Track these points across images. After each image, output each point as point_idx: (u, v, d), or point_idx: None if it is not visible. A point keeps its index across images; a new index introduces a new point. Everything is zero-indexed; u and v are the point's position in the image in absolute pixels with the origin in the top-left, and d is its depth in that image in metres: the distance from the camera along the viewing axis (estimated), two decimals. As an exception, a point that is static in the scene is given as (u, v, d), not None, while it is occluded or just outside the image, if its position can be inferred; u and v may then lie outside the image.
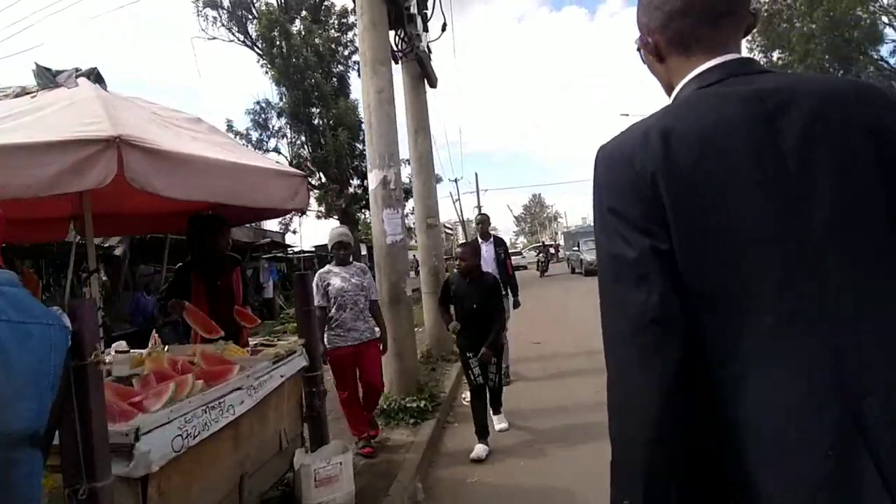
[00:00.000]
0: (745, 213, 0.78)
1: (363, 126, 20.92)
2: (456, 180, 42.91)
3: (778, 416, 0.74)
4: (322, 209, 19.95)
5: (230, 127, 19.79)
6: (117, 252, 10.97)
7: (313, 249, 27.56)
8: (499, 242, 5.98)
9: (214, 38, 22.22)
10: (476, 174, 42.67)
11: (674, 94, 0.94)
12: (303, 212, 3.54)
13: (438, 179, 23.26)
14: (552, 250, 40.46)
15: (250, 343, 3.63)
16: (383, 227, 4.77)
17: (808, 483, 0.72)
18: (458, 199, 42.70)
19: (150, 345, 3.18)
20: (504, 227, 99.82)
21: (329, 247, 4.06)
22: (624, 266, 0.81)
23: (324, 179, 20.19)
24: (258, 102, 19.95)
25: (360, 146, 21.25)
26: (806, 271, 0.76)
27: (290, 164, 20.01)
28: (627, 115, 31.07)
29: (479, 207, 43.67)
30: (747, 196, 0.78)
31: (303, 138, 20.32)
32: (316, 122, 20.25)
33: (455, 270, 4.29)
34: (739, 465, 0.76)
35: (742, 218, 0.78)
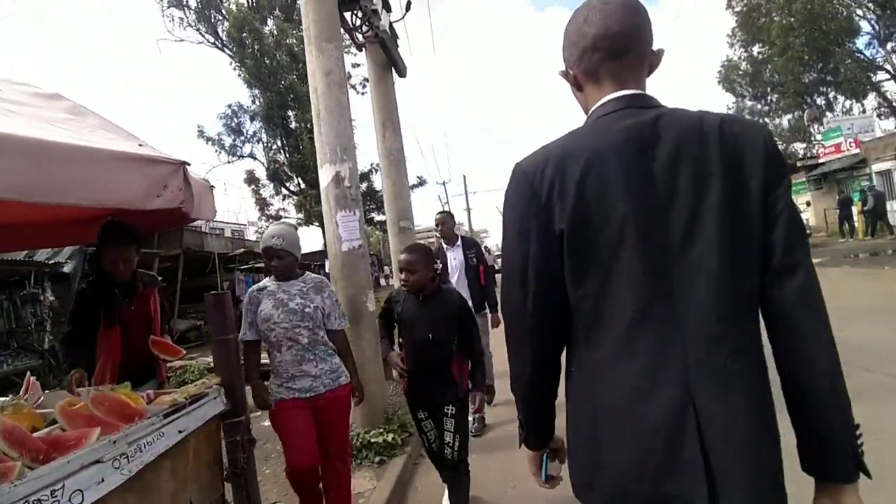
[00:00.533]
0: (615, 224, 0.94)
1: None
2: (444, 183, 42.41)
3: (626, 383, 0.94)
4: (301, 216, 19.19)
5: (201, 133, 18.99)
6: (66, 269, 10.10)
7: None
8: (469, 245, 4.72)
9: (182, 40, 21.50)
10: (464, 176, 41.98)
11: (590, 116, 1.08)
12: (186, 217, 2.13)
13: (422, 182, 22.66)
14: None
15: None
16: (338, 232, 4.03)
17: (644, 439, 0.91)
18: (447, 202, 42.17)
19: (22, 390, 2.46)
20: (498, 230, 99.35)
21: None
22: (520, 261, 1.01)
23: (302, 185, 19.43)
24: (230, 106, 19.13)
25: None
26: (662, 275, 0.93)
27: (267, 170, 19.28)
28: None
29: (469, 210, 43.07)
30: (619, 209, 0.94)
31: (279, 142, 19.52)
32: (293, 125, 19.49)
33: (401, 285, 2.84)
34: (596, 420, 0.97)
35: (614, 228, 0.94)
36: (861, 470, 0.90)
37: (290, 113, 19.28)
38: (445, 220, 4.79)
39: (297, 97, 19.02)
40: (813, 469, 0.93)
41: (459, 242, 4.70)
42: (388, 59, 6.29)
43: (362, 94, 21.55)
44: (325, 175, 4.06)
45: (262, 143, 19.54)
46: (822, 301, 0.91)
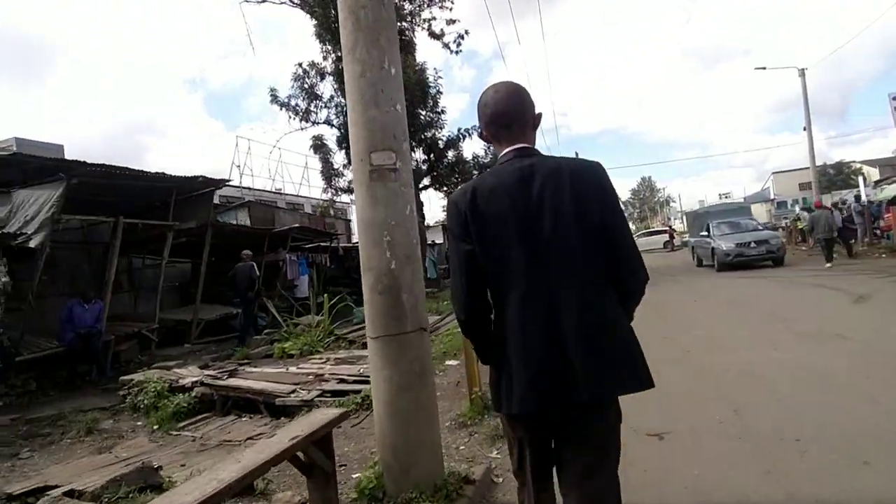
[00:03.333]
0: (506, 229, 1.58)
1: (430, 89, 16.85)
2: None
3: (521, 325, 1.56)
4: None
5: (274, 97, 16.37)
6: (33, 243, 7.56)
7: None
8: None
9: (264, 1, 19.18)
10: (576, 154, 36.66)
11: (496, 163, 1.75)
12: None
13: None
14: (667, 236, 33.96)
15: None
16: None
17: (534, 358, 1.53)
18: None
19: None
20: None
21: None
22: (456, 257, 1.66)
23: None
24: (300, 64, 16.26)
25: (423, 112, 17.07)
26: (536, 261, 1.56)
27: (339, 138, 16.35)
28: (764, 67, 25.05)
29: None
30: (507, 221, 1.58)
31: (355, 106, 16.44)
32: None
33: None
34: (505, 342, 1.59)
35: (506, 233, 1.58)
36: None
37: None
38: None
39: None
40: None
41: None
42: None
43: (456, 52, 17.88)
44: None
45: (336, 107, 16.49)
46: (639, 258, 1.69)
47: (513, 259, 1.57)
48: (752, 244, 14.65)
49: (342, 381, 6.26)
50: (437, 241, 25.79)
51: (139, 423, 6.52)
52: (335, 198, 15.78)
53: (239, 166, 34.91)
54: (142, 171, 9.18)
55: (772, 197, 64.93)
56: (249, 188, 31.77)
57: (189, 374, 7.21)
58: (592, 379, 1.48)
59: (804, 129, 25.21)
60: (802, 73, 24.23)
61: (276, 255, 11.85)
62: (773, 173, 68.18)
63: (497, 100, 1.70)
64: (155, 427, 6.25)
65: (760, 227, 17.08)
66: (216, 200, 20.88)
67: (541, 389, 1.51)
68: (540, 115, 1.75)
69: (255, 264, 11.75)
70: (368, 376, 3.79)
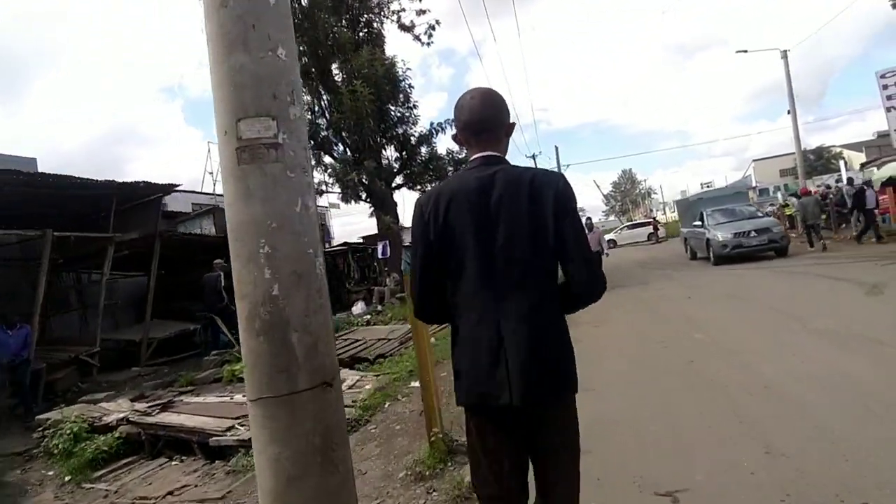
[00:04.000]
0: (464, 234, 1.62)
1: (400, 82, 15.80)
2: (534, 156, 36.95)
3: (470, 328, 1.63)
4: (338, 191, 14.98)
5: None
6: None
7: (359, 242, 22.98)
8: None
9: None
10: (556, 147, 35.95)
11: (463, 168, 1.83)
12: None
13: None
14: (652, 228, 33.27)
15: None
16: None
17: (478, 360, 1.60)
18: (538, 177, 36.61)
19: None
20: (591, 205, 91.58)
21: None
22: (416, 257, 1.73)
23: (348, 153, 15.28)
24: (259, 59, 15.11)
25: (393, 108, 16.05)
26: (488, 269, 1.61)
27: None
28: (746, 51, 24.49)
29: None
30: (465, 227, 1.62)
31: (322, 102, 15.37)
32: (339, 78, 15.24)
33: None
34: (458, 343, 1.69)
35: (463, 239, 1.62)
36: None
37: (333, 67, 15.07)
38: None
39: (340, 45, 14.75)
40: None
41: None
42: None
43: (428, 44, 16.91)
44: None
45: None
46: (593, 269, 1.66)
47: (468, 264, 1.64)
48: (752, 233, 13.07)
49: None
50: (417, 242, 24.84)
51: (51, 473, 5.47)
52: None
53: (212, 173, 33.64)
54: (70, 176, 8.08)
55: (753, 185, 64.72)
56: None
57: (116, 410, 6.17)
58: (524, 385, 1.55)
59: (788, 112, 24.63)
60: (785, 54, 23.64)
61: (213, 268, 10.74)
62: (754, 161, 68.11)
63: (472, 106, 1.73)
64: (67, 478, 5.21)
65: (759, 214, 15.35)
66: (187, 209, 19.80)
67: (481, 389, 1.61)
68: (513, 124, 1.80)
69: (222, 273, 10.73)
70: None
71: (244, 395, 6.14)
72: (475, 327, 1.62)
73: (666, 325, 7.06)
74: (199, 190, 30.37)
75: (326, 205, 37.06)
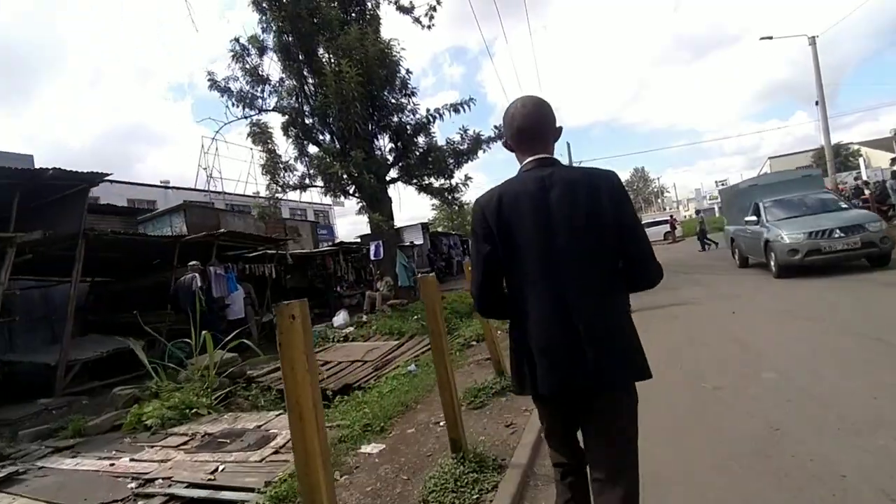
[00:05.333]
0: (527, 233, 1.70)
1: (399, 67, 13.88)
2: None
3: (538, 321, 1.69)
4: (321, 186, 13.23)
5: (213, 82, 13.59)
6: None
7: (352, 241, 21.29)
8: None
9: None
10: (568, 143, 33.94)
11: (518, 171, 1.85)
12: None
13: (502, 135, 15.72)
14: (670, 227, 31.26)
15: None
16: None
17: (551, 350, 1.66)
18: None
19: None
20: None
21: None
22: (477, 254, 1.79)
23: (327, 139, 13.56)
24: (236, 40, 13.46)
25: (387, 95, 14.30)
26: (552, 263, 1.67)
27: (286, 120, 13.57)
28: (771, 37, 22.39)
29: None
30: (528, 226, 1.70)
31: (309, 84, 13.64)
32: (325, 57, 13.47)
33: None
34: (523, 335, 1.74)
35: (525, 236, 1.70)
36: None
37: (318, 45, 13.33)
38: None
39: (326, 21, 13.02)
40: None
41: None
42: None
43: (429, 27, 15.08)
44: None
45: (272, 86, 13.73)
46: (653, 260, 1.76)
47: (531, 260, 1.70)
48: (836, 232, 8.98)
49: (171, 499, 3.52)
50: (417, 242, 23.01)
51: None
52: (280, 195, 12.93)
53: (206, 168, 32.04)
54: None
55: (770, 183, 62.35)
56: (221, 193, 29.04)
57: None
58: (601, 370, 1.61)
59: (816, 103, 22.59)
60: (813, 41, 21.61)
61: (187, 270, 9.10)
62: (770, 158, 65.70)
63: (524, 114, 1.81)
64: None
65: (844, 206, 10.67)
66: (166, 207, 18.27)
67: (556, 375, 1.66)
68: (560, 128, 1.88)
69: (197, 275, 9.12)
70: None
71: (133, 458, 4.27)
72: (544, 320, 1.69)
73: (713, 354, 5.26)
74: (194, 186, 28.90)
75: (329, 202, 35.45)
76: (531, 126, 1.80)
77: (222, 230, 10.26)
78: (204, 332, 6.37)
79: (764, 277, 10.14)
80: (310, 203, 37.67)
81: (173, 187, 29.41)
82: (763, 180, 14.01)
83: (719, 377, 4.50)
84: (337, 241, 26.66)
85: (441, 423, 4.03)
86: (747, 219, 11.04)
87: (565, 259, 1.66)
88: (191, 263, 9.48)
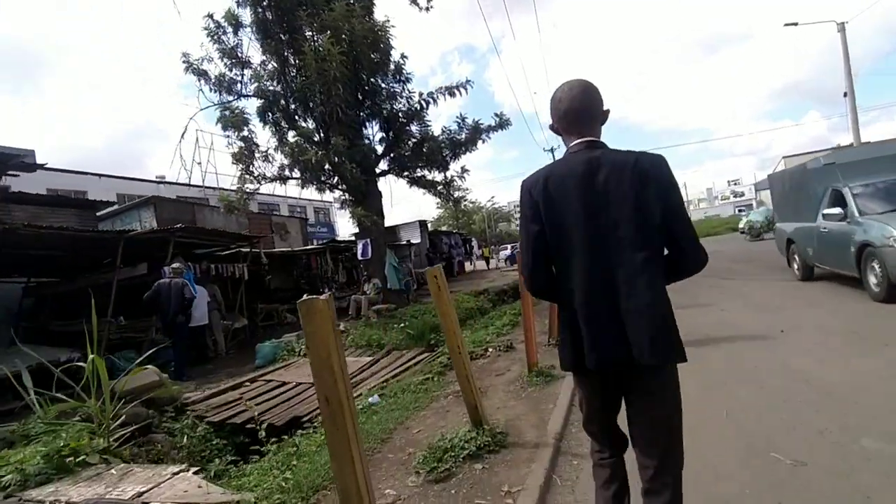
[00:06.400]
0: (572, 214, 1.73)
1: (391, 49, 12.19)
2: (552, 150, 33.68)
3: (585, 300, 1.72)
4: (297, 177, 11.79)
5: (188, 64, 12.24)
6: None
7: (342, 240, 19.93)
8: None
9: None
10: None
11: (565, 153, 1.88)
12: None
13: (503, 122, 14.09)
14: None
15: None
16: None
17: (596, 327, 1.71)
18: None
19: None
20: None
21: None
22: (526, 235, 1.84)
23: (309, 124, 12.18)
24: (210, 16, 12.09)
25: (377, 80, 12.90)
26: (598, 244, 1.71)
27: (263, 104, 12.19)
28: (796, 23, 20.76)
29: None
30: (574, 207, 1.73)
31: (291, 66, 12.27)
32: (308, 35, 12.05)
33: None
34: (569, 313, 1.79)
35: (573, 217, 1.73)
36: None
37: (300, 21, 11.92)
38: None
39: (311, -5, 11.64)
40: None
41: None
42: None
43: (427, 9, 13.64)
44: None
45: (251, 69, 12.37)
46: (697, 243, 1.77)
47: (578, 240, 1.73)
48: None
49: None
50: (414, 241, 21.54)
51: None
52: (252, 187, 11.53)
53: (200, 163, 30.68)
54: None
55: (784, 182, 60.24)
56: (216, 188, 27.72)
57: None
58: (643, 347, 1.65)
59: (844, 94, 20.93)
60: (842, 27, 19.95)
61: (134, 270, 7.78)
62: (784, 157, 63.55)
63: (571, 96, 1.83)
64: None
65: None
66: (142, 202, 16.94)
67: (600, 352, 1.71)
68: (608, 111, 1.87)
69: (187, 283, 7.85)
70: None
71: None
72: (589, 300, 1.72)
73: (769, 399, 3.81)
74: (188, 181, 27.66)
75: (331, 200, 34.12)
76: (579, 108, 1.83)
77: (179, 225, 8.89)
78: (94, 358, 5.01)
79: (833, 290, 7.91)
80: (309, 200, 36.42)
81: (167, 182, 28.24)
82: (844, 156, 9.18)
83: (792, 441, 3.06)
84: (338, 239, 25.35)
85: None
86: (826, 212, 7.81)
87: (611, 240, 1.71)
88: (174, 266, 8.22)
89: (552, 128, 1.93)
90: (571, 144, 1.82)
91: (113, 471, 4.10)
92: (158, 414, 5.51)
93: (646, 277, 1.67)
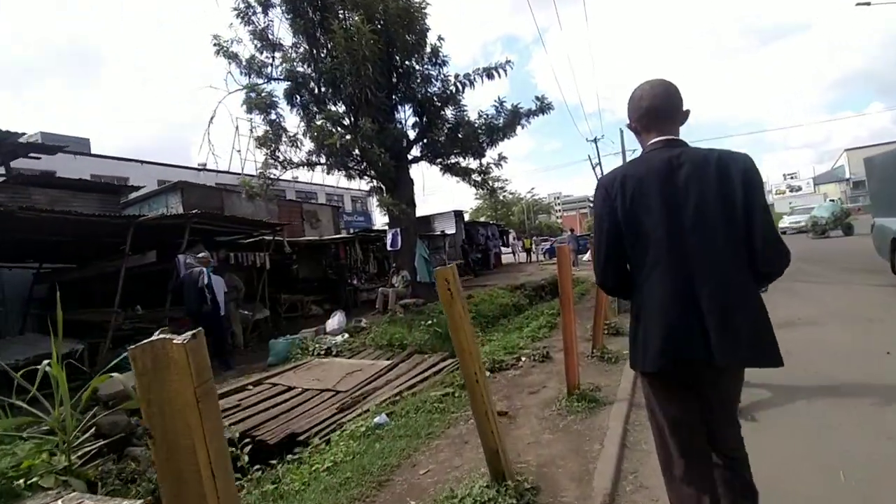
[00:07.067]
0: (652, 212, 1.68)
1: (427, 28, 11.37)
2: (595, 140, 32.14)
3: (664, 299, 1.67)
4: (322, 162, 11.08)
5: (220, 47, 11.68)
6: None
7: (375, 230, 19.24)
8: None
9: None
10: (621, 130, 30.64)
11: (643, 151, 1.85)
12: None
13: (545, 106, 12.85)
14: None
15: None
16: None
17: (676, 326, 1.65)
18: (599, 164, 31.78)
19: None
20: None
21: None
22: (601, 233, 1.81)
23: (338, 108, 11.42)
24: (238, -8, 11.45)
25: (412, 63, 12.05)
26: (679, 243, 1.66)
27: (290, 86, 11.52)
28: (868, 3, 18.74)
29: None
30: (654, 205, 1.69)
31: (321, 44, 11.54)
32: (340, 13, 11.29)
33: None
34: (645, 311, 1.74)
35: (652, 216, 1.68)
36: None
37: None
38: None
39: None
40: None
41: None
42: None
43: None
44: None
45: (281, 50, 11.71)
46: (781, 245, 1.68)
47: (657, 239, 1.68)
48: None
49: None
50: (449, 232, 20.65)
51: None
52: (276, 173, 10.93)
53: (239, 151, 30.63)
54: None
55: (847, 176, 56.32)
56: (253, 175, 27.64)
57: None
58: (726, 349, 1.58)
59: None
60: (930, 3, 17.73)
61: (144, 258, 7.26)
62: (847, 150, 59.37)
63: (653, 94, 1.81)
64: None
65: None
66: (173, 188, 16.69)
67: (674, 349, 1.65)
68: (688, 111, 1.83)
69: (205, 270, 7.37)
70: None
71: None
72: (670, 298, 1.67)
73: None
74: (227, 169, 27.67)
75: (367, 189, 33.79)
76: (659, 106, 1.80)
77: (195, 211, 8.32)
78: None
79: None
80: (347, 189, 36.03)
81: (207, 169, 28.30)
82: None
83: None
84: (373, 228, 24.77)
85: None
86: None
87: (692, 240, 1.66)
88: (199, 255, 7.70)
89: (630, 126, 1.91)
90: (650, 143, 1.82)
91: (66, 497, 3.44)
92: (127, 431, 4.86)
93: (732, 277, 1.65)
